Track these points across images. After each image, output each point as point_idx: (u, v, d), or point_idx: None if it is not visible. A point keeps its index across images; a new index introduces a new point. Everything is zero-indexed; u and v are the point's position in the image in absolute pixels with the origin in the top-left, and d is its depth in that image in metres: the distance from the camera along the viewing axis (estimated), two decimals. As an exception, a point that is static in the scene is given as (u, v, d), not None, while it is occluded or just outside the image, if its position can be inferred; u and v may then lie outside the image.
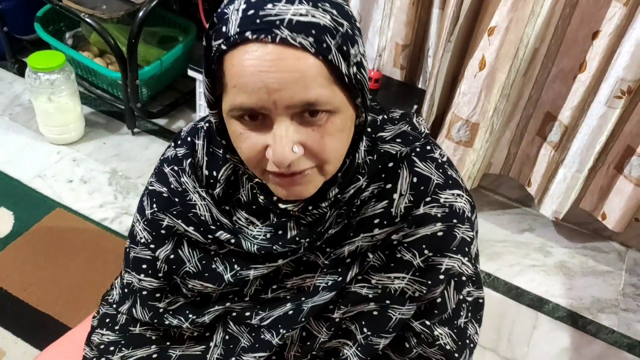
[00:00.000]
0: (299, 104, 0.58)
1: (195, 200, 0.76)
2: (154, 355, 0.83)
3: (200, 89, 1.85)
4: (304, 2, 0.57)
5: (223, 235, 0.75)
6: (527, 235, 1.87)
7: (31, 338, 1.43)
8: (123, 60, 1.81)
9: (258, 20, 0.57)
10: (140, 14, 1.75)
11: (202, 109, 1.97)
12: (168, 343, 0.84)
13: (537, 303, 1.67)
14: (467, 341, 0.80)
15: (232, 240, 0.74)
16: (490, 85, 1.56)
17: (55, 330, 1.41)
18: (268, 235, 0.74)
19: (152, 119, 2.08)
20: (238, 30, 0.57)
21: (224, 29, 0.58)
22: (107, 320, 0.86)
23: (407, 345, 0.78)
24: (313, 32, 0.57)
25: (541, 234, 1.87)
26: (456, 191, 0.73)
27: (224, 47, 0.58)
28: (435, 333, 0.76)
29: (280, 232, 0.73)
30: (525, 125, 1.74)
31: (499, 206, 1.95)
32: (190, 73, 1.81)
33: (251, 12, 0.57)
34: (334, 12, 0.59)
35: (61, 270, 1.57)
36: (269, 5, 0.57)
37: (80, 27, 2.11)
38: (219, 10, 0.61)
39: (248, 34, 0.56)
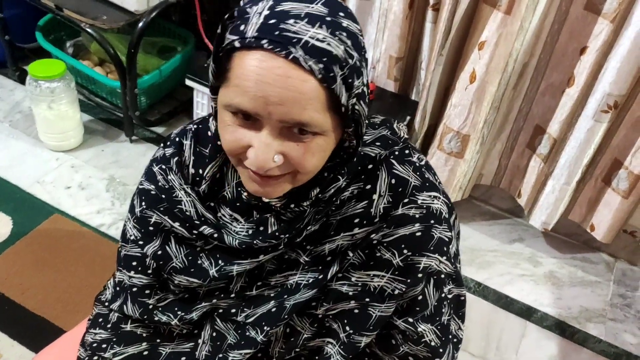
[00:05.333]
0: (291, 122, 0.61)
1: (181, 197, 0.79)
2: (145, 352, 0.85)
3: (198, 98, 1.88)
4: (324, 27, 0.60)
5: (207, 230, 0.78)
6: (518, 245, 1.90)
7: (28, 341, 1.44)
8: (122, 69, 1.84)
9: (277, 32, 0.59)
10: (140, 24, 1.78)
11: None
12: (158, 340, 0.86)
13: (526, 312, 1.70)
14: (450, 336, 0.83)
15: (215, 235, 0.77)
16: (481, 98, 1.60)
17: (51, 334, 1.42)
18: (250, 232, 0.77)
19: (150, 127, 2.11)
20: (256, 34, 0.59)
21: (242, 27, 0.61)
22: (100, 319, 0.89)
23: (394, 343, 0.81)
24: (324, 59, 0.59)
25: (531, 244, 1.90)
26: (433, 193, 0.77)
27: (237, 44, 0.60)
28: (419, 329, 0.79)
29: (261, 228, 0.77)
30: (516, 138, 1.77)
31: (490, 216, 1.98)
32: (188, 82, 1.84)
33: (273, 21, 0.59)
34: (349, 42, 0.61)
35: (58, 275, 1.59)
36: (291, 21, 0.59)
37: (80, 36, 2.14)
38: (242, 4, 0.63)
39: (264, 42, 0.59)
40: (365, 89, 0.66)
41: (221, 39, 0.64)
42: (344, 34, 0.61)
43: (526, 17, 1.45)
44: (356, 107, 0.65)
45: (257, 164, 0.64)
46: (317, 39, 0.59)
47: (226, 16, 0.64)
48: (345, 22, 0.62)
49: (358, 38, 0.64)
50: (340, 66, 0.61)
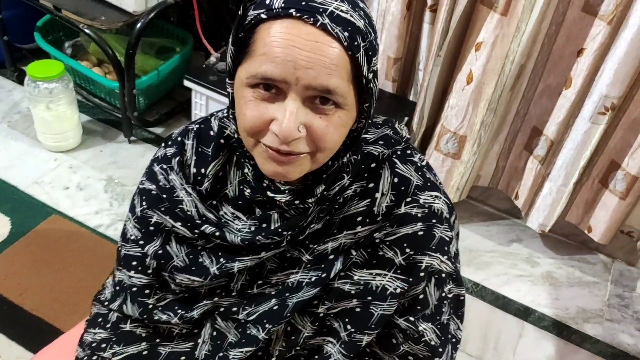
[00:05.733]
0: (318, 87, 0.63)
1: (182, 197, 0.79)
2: (144, 352, 0.85)
3: (197, 99, 1.88)
4: (345, 2, 0.63)
5: (208, 228, 0.78)
6: (515, 245, 1.90)
7: (26, 342, 1.44)
8: (121, 69, 1.85)
9: (303, 3, 0.62)
10: (139, 24, 1.78)
11: (197, 118, 2.00)
12: (158, 340, 0.86)
13: (524, 312, 1.70)
14: (449, 336, 0.83)
15: (217, 234, 0.77)
16: (477, 99, 1.60)
17: (50, 335, 1.43)
18: (252, 228, 0.77)
19: (148, 127, 2.11)
20: (283, 5, 0.62)
21: (267, 1, 0.63)
22: (99, 319, 0.89)
23: (395, 342, 0.81)
24: (349, 28, 0.62)
25: (529, 244, 1.91)
26: (434, 193, 0.78)
27: (264, 16, 0.62)
28: (420, 328, 0.79)
29: (264, 224, 0.77)
30: (514, 139, 1.78)
31: (488, 217, 1.98)
32: (187, 83, 1.85)
33: None
34: (367, 20, 0.65)
35: (57, 276, 1.60)
36: None
37: (79, 37, 2.14)
38: None
39: (292, 10, 0.61)
40: (377, 69, 0.69)
41: (242, 20, 0.65)
42: (362, 12, 0.65)
43: (523, 19, 1.45)
44: (370, 84, 0.67)
45: (283, 134, 0.63)
46: (341, 11, 0.62)
47: None
48: (361, 4, 0.66)
49: (372, 20, 0.67)
50: (362, 38, 0.64)
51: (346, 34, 0.62)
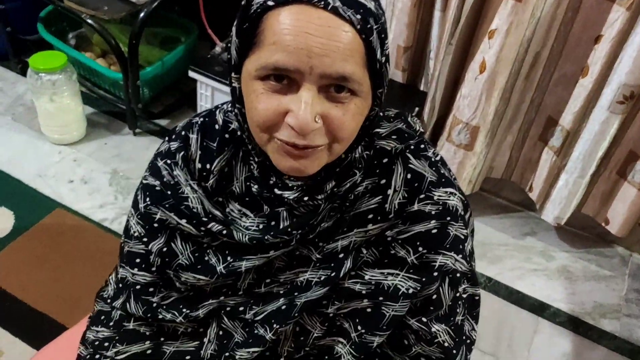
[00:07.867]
0: (334, 74, 0.59)
1: (187, 193, 0.76)
2: (148, 351, 0.82)
3: (202, 90, 1.85)
4: None
5: (215, 227, 0.74)
6: (530, 239, 1.86)
7: (29, 338, 1.43)
8: (124, 60, 1.82)
9: None
10: (142, 14, 1.75)
11: (202, 110, 1.97)
12: (162, 339, 0.83)
13: (539, 308, 1.66)
14: (464, 337, 0.80)
15: (224, 232, 0.74)
16: (491, 89, 1.56)
17: (53, 331, 1.40)
18: (260, 226, 0.74)
19: (153, 119, 2.08)
20: None
21: None
22: (102, 317, 0.86)
23: (407, 343, 0.78)
24: (361, 11, 0.59)
25: (543, 238, 1.86)
26: (449, 189, 0.74)
27: (270, 3, 0.59)
28: (433, 330, 0.76)
29: (272, 222, 0.74)
30: (528, 130, 1.74)
31: (501, 210, 1.94)
32: (191, 74, 1.81)
33: None
34: (377, 2, 0.63)
35: (60, 270, 1.57)
36: None
37: (83, 28, 2.12)
38: None
39: None
40: (389, 53, 0.65)
41: (246, 9, 0.62)
42: None
43: (538, 5, 1.41)
44: (384, 67, 0.64)
45: (299, 126, 0.60)
46: None
47: None
48: None
49: (380, 3, 0.64)
50: (375, 20, 0.61)
51: (358, 16, 0.58)
